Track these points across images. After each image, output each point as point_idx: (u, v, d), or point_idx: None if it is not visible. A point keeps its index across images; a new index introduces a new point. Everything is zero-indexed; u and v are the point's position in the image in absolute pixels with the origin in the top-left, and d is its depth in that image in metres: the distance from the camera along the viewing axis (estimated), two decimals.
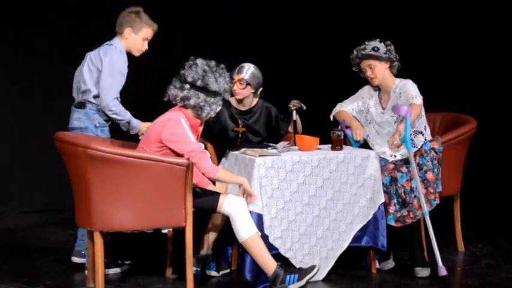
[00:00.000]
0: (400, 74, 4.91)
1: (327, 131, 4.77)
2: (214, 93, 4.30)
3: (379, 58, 4.78)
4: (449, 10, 6.76)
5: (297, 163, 4.42)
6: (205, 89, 4.28)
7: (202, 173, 4.22)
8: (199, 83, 4.28)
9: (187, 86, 4.28)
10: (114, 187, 4.13)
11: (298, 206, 4.42)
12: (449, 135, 4.89)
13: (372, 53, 4.77)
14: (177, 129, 4.22)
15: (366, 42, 4.84)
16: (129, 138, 4.73)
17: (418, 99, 4.69)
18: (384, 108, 4.87)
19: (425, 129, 4.85)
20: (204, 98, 4.28)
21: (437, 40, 6.88)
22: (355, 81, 5.04)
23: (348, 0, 6.97)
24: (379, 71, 4.79)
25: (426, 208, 4.53)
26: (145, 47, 4.72)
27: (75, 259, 4.82)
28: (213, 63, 4.35)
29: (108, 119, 4.67)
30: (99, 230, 4.15)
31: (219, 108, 4.36)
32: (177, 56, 6.82)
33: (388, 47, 4.84)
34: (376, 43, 4.82)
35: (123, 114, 4.60)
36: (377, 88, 4.93)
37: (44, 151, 6.02)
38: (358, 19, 6.99)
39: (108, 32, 4.77)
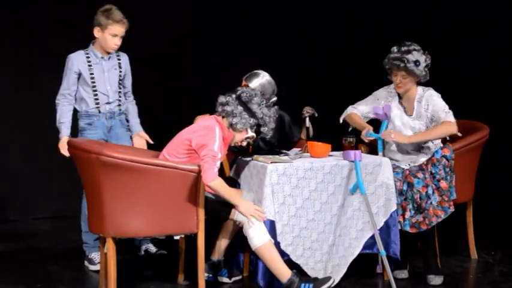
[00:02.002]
0: None
1: (339, 138, 4.78)
2: (252, 114, 4.36)
3: (416, 74, 4.65)
4: (449, 10, 6.72)
5: (309, 170, 4.42)
6: (245, 105, 4.36)
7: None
8: (244, 97, 4.37)
9: (234, 96, 4.38)
10: (127, 193, 4.15)
11: (310, 213, 4.42)
12: (461, 142, 4.87)
13: (412, 68, 4.60)
14: (210, 131, 4.27)
15: (408, 48, 4.62)
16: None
17: (450, 116, 4.60)
18: (409, 115, 4.74)
19: None
20: (241, 111, 4.34)
21: (448, 43, 6.85)
22: (367, 87, 5.01)
23: (355, 3, 6.97)
24: (409, 83, 4.69)
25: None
26: (116, 42, 4.87)
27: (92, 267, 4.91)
28: (267, 96, 4.71)
29: (87, 123, 4.93)
30: (112, 237, 4.17)
31: (250, 133, 4.41)
32: (188, 66, 6.92)
33: (428, 62, 4.68)
34: (417, 55, 4.62)
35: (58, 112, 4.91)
36: (397, 94, 4.82)
37: (56, 157, 6.04)
38: (370, 23, 6.98)
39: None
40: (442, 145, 4.76)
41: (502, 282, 4.63)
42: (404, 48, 4.66)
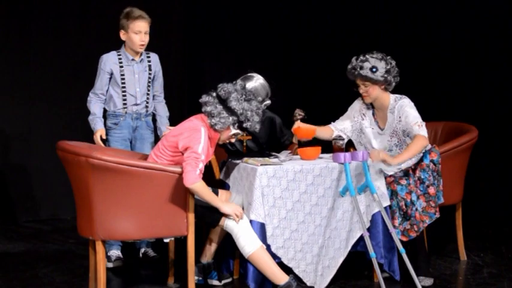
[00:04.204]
0: (400, 82, 4.75)
1: (329, 140, 4.79)
2: (231, 111, 4.29)
3: (375, 81, 4.61)
4: (448, 15, 6.76)
5: (299, 172, 4.43)
6: (224, 102, 4.29)
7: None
8: (223, 94, 4.30)
9: (214, 94, 4.33)
10: (116, 196, 4.13)
11: (300, 215, 4.42)
12: (450, 145, 4.88)
13: (369, 74, 4.57)
14: (195, 133, 4.23)
15: (365, 57, 4.61)
16: None
17: (423, 130, 4.53)
18: (381, 128, 4.73)
19: None
20: (219, 111, 4.28)
21: (439, 46, 6.88)
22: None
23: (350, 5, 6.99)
24: (373, 91, 4.65)
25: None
26: (142, 39, 4.93)
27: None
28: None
29: (113, 123, 5.02)
30: (101, 239, 4.16)
31: (233, 131, 4.34)
32: (180, 69, 6.92)
33: (388, 67, 4.60)
34: (375, 62, 4.58)
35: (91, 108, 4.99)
36: (370, 105, 4.78)
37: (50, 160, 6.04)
38: (361, 25, 6.99)
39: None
40: (430, 147, 4.74)
41: (491, 284, 4.64)
42: (361, 58, 4.65)
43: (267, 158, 4.64)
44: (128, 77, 4.98)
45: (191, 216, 4.24)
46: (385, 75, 4.61)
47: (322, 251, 4.48)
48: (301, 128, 4.70)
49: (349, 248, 4.54)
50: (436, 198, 4.64)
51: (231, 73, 5.05)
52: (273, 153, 4.79)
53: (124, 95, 4.98)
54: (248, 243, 4.23)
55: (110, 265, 4.94)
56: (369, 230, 4.51)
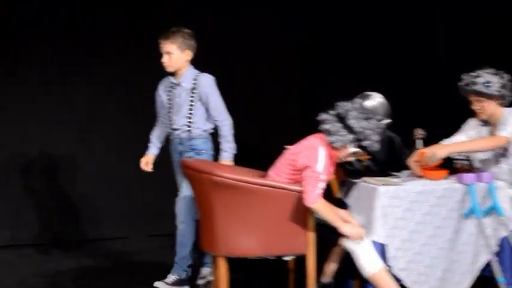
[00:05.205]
0: None
1: (450, 161, 4.67)
2: (350, 130, 4.26)
3: (490, 96, 4.50)
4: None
5: (421, 193, 4.34)
6: (343, 120, 4.28)
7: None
8: (341, 112, 4.30)
9: (332, 112, 4.33)
10: (238, 213, 4.18)
11: (422, 237, 4.32)
12: None
13: (482, 90, 4.46)
14: (313, 151, 4.22)
15: (478, 72, 4.50)
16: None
17: (503, 131, 4.40)
18: None
19: None
20: (338, 129, 4.27)
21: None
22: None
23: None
24: (488, 107, 4.53)
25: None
26: (163, 60, 4.86)
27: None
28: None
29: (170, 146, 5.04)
30: (223, 256, 4.22)
31: (352, 149, 4.29)
32: (294, 89, 6.97)
33: (503, 82, 4.48)
34: (489, 76, 4.47)
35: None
36: (485, 122, 4.63)
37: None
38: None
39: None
40: None
41: None
42: (473, 74, 4.53)
43: (387, 178, 4.58)
44: (170, 101, 4.92)
45: (311, 235, 4.23)
46: (500, 90, 4.48)
47: (447, 274, 4.37)
48: (431, 172, 4.53)
49: (476, 273, 4.40)
50: None
51: (347, 92, 5.03)
52: (394, 173, 4.73)
53: (169, 120, 4.94)
54: (369, 264, 4.18)
55: (199, 281, 4.99)
56: (497, 254, 4.36)
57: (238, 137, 5.02)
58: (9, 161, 6.38)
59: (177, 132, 4.92)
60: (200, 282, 5.10)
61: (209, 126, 4.95)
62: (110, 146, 6.58)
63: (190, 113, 4.87)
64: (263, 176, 4.49)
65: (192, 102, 4.86)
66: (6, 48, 6.31)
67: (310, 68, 7.09)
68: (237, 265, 5.01)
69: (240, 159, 5.03)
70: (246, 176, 4.24)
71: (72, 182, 6.55)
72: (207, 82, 4.86)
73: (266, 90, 6.96)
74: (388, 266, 4.25)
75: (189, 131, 4.89)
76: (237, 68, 6.73)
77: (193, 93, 4.86)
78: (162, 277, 5.04)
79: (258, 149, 6.51)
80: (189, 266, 4.97)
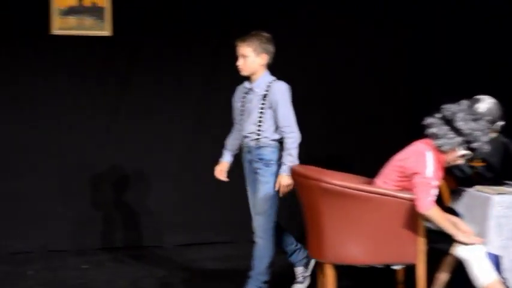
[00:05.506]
0: None
1: None
2: (458, 132, 4.16)
3: None
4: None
5: None
6: (450, 123, 4.18)
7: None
8: (448, 115, 4.20)
9: (438, 115, 4.24)
10: (346, 220, 4.15)
11: None
12: None
13: None
14: (421, 157, 4.14)
15: None
16: None
17: None
18: None
19: None
20: (445, 131, 4.17)
21: None
22: None
23: None
24: None
25: None
26: (238, 62, 4.67)
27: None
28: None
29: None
30: (331, 262, 4.19)
31: (460, 152, 4.17)
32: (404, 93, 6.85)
33: None
34: None
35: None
36: None
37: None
38: None
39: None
40: None
41: None
42: None
43: (502, 187, 4.42)
44: (243, 106, 4.73)
45: (422, 244, 4.14)
46: None
47: None
48: None
49: None
50: None
51: (458, 96, 4.90)
52: (508, 182, 4.57)
53: (241, 126, 4.77)
54: (483, 274, 4.04)
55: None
56: None
57: (342, 143, 4.97)
58: (106, 172, 6.41)
59: (246, 140, 4.72)
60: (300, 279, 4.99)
61: (278, 137, 4.67)
62: (177, 154, 6.49)
63: (260, 120, 4.64)
64: (369, 183, 4.43)
65: (262, 110, 4.63)
66: None
67: (419, 74, 6.97)
68: (344, 273, 5.01)
69: (345, 166, 4.97)
70: (354, 183, 4.21)
71: (166, 190, 6.56)
72: (279, 89, 4.62)
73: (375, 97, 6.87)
74: (503, 278, 4.10)
75: (257, 139, 4.66)
76: (347, 71, 6.70)
77: (264, 99, 4.64)
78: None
79: (364, 156, 6.45)
80: (265, 282, 4.77)
